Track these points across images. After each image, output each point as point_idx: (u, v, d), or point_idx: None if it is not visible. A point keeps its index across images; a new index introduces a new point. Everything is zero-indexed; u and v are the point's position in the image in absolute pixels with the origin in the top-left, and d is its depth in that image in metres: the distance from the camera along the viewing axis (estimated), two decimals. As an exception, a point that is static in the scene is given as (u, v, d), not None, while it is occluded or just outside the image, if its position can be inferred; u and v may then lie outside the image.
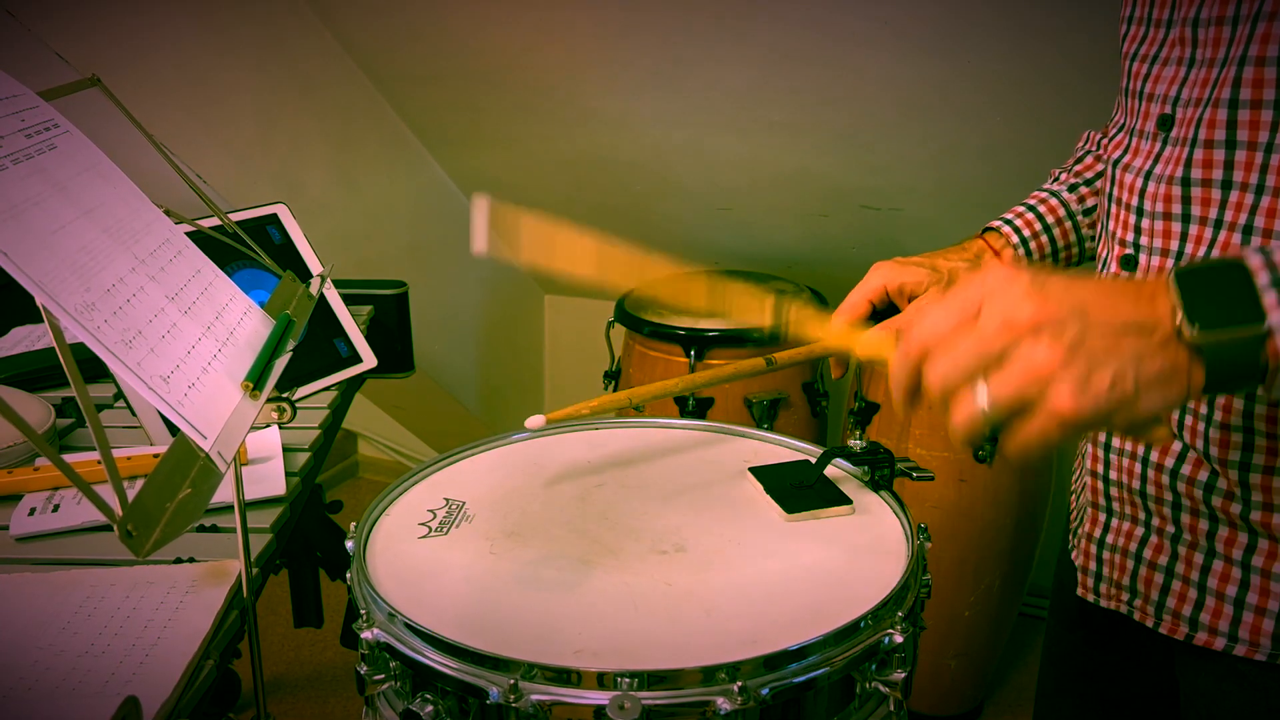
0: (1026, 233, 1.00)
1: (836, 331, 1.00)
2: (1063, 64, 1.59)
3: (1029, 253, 1.00)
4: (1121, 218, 0.83)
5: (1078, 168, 1.04)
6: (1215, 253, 0.75)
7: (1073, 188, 1.02)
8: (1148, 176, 0.80)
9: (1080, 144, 1.06)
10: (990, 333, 0.57)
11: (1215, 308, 0.57)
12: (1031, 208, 1.02)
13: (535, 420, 0.86)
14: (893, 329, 0.65)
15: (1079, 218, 1.01)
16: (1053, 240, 1.01)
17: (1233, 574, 0.79)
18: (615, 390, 2.16)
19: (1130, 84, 0.84)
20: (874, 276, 0.97)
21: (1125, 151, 0.84)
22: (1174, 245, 0.78)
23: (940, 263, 0.98)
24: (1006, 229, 1.01)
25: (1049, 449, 0.58)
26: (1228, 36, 0.73)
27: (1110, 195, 0.86)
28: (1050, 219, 1.01)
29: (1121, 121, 0.87)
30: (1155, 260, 0.80)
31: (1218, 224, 0.75)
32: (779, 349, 1.01)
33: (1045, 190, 1.04)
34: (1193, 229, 0.77)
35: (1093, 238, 1.02)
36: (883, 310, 0.99)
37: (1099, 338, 0.57)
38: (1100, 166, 1.02)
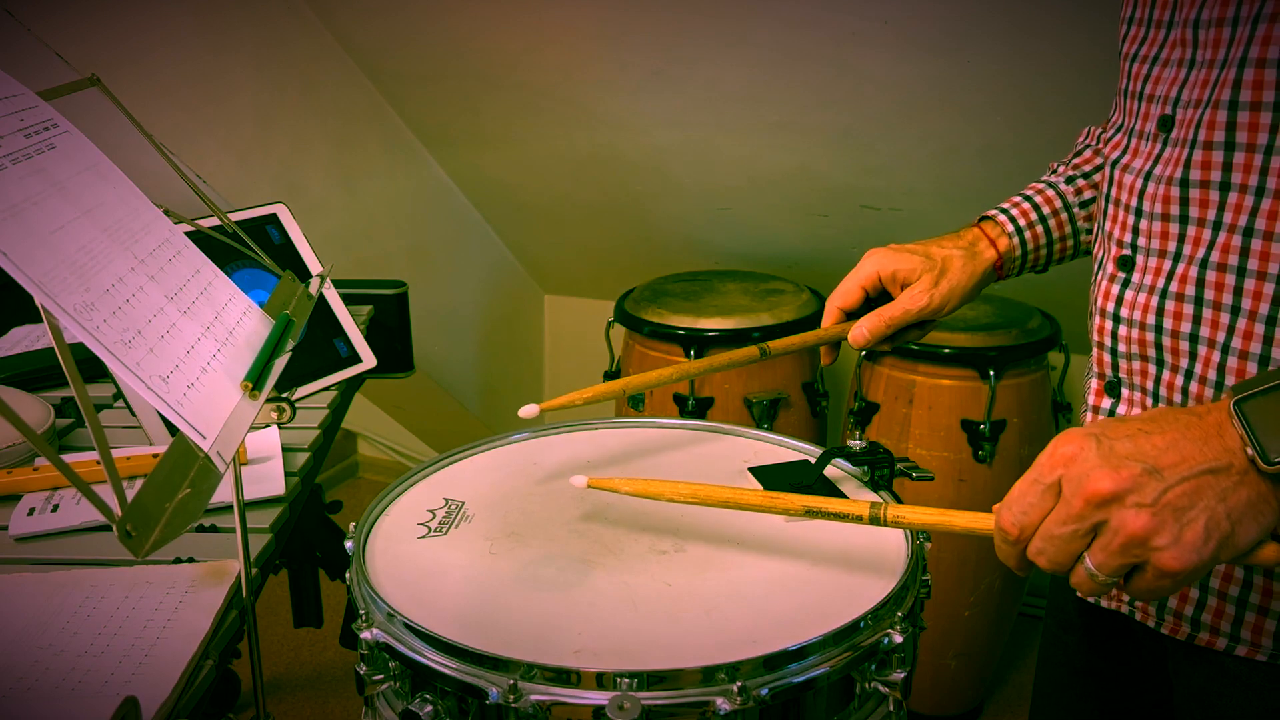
0: (1022, 222, 1.00)
1: (830, 319, 1.01)
2: (1063, 64, 1.59)
3: (1024, 243, 1.00)
4: (1119, 218, 0.83)
5: (1076, 161, 1.04)
6: (1214, 255, 0.75)
7: (1070, 180, 1.02)
8: (1147, 177, 0.80)
9: (1081, 138, 1.06)
10: (1077, 511, 0.60)
11: None
12: (1028, 198, 1.02)
13: (529, 409, 0.86)
14: (993, 512, 0.68)
15: (1075, 210, 1.01)
16: (1048, 231, 1.01)
17: (1235, 574, 0.79)
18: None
19: (1130, 85, 0.84)
20: (867, 263, 0.98)
21: (1124, 152, 0.84)
22: (1172, 246, 0.78)
23: (934, 250, 0.98)
24: (1002, 218, 1.01)
25: (1176, 590, 0.62)
26: (1228, 38, 0.73)
27: (1108, 196, 0.86)
28: (1046, 210, 1.01)
29: (1120, 122, 0.87)
30: (1153, 261, 0.80)
31: (1216, 225, 0.75)
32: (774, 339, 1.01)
33: (1043, 182, 1.04)
34: (1191, 230, 0.77)
35: (1089, 231, 1.02)
36: (875, 298, 1.00)
37: (1179, 491, 0.59)
38: (1099, 161, 1.02)
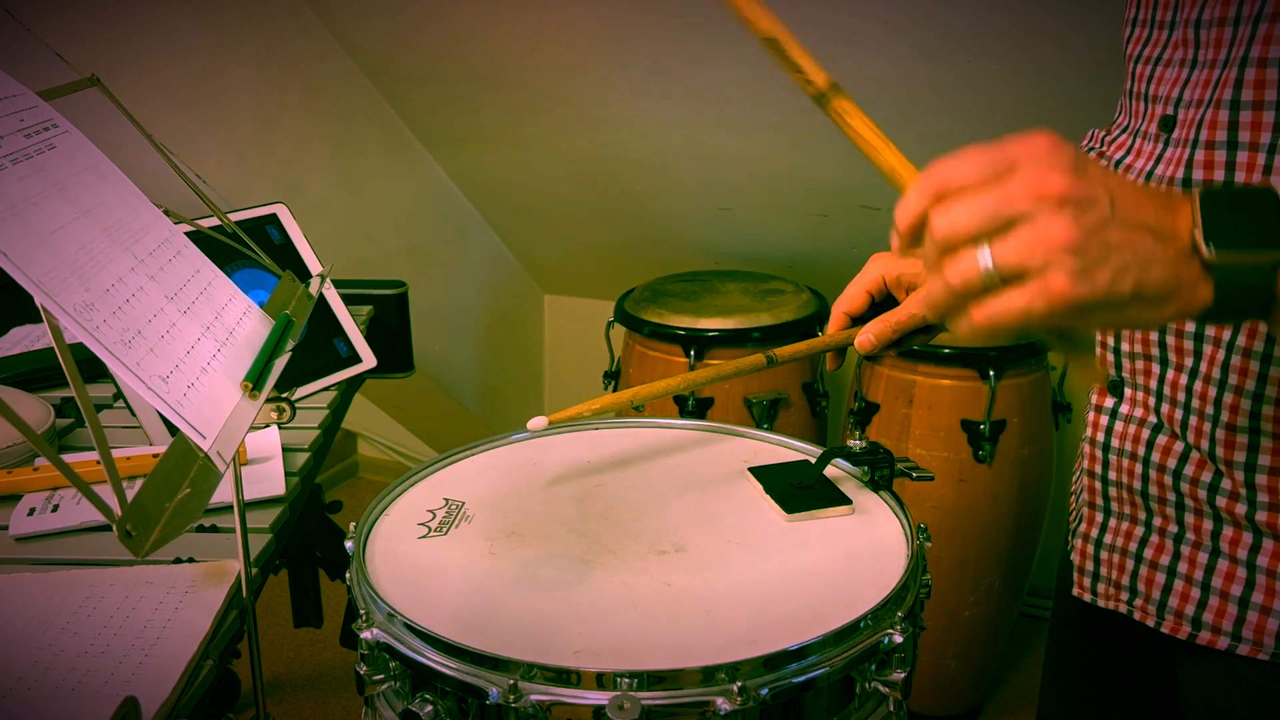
0: None
1: (836, 325, 1.00)
2: (1062, 65, 1.59)
3: None
4: None
5: None
6: None
7: None
8: (1149, 177, 0.80)
9: (1084, 142, 1.06)
10: (1016, 194, 0.55)
11: (1235, 228, 0.56)
12: None
13: (537, 421, 0.86)
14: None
15: None
16: None
17: (1237, 573, 0.79)
18: (615, 390, 2.16)
19: (1134, 86, 0.84)
20: (872, 267, 0.97)
21: (1127, 152, 0.84)
22: None
23: None
24: None
25: (1018, 328, 0.56)
26: (1229, 38, 0.73)
27: None
28: None
29: (1125, 123, 0.87)
30: None
31: None
32: (779, 345, 1.01)
33: None
34: None
35: None
36: (881, 302, 1.00)
37: (1119, 229, 0.55)
38: (1102, 162, 1.02)
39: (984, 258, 0.55)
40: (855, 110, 0.68)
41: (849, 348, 0.99)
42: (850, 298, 0.98)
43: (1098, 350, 0.87)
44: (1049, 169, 0.55)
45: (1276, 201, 0.57)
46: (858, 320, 1.00)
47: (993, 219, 0.55)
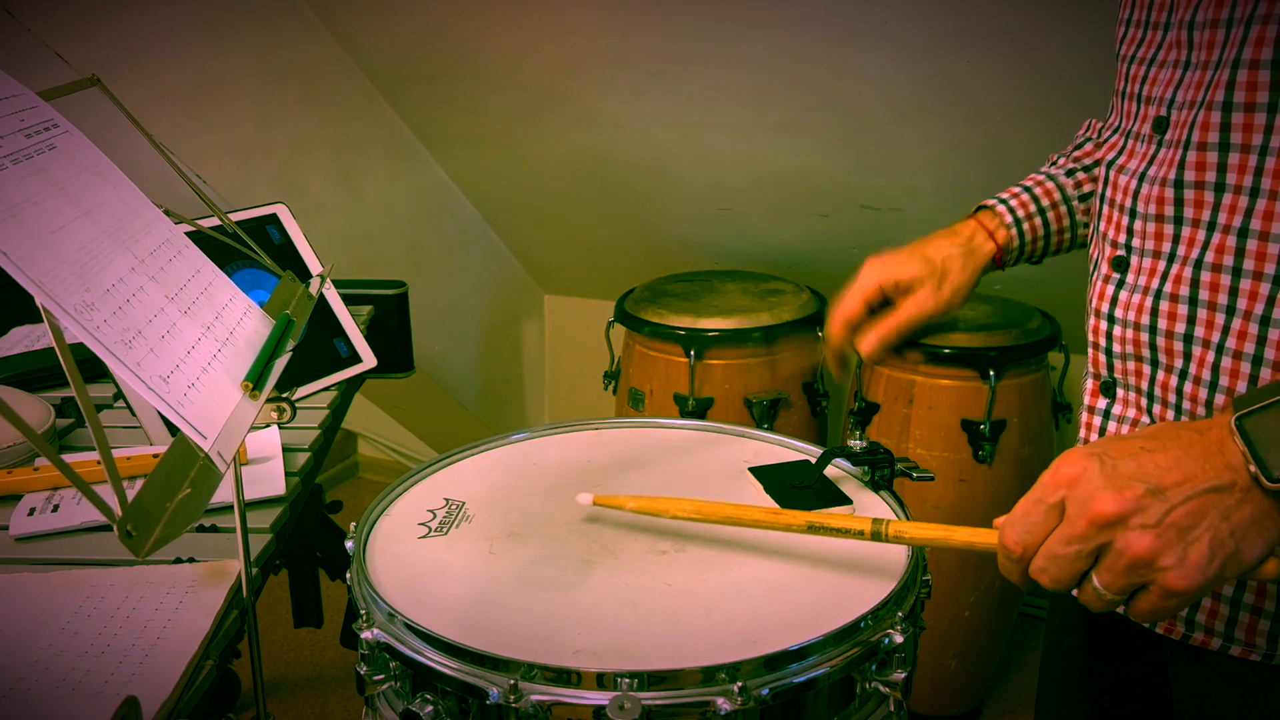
0: (1020, 213, 0.99)
1: (836, 331, 1.00)
2: (1062, 64, 1.59)
3: (1022, 234, 0.99)
4: (1114, 219, 0.83)
5: (1076, 154, 1.04)
6: (1209, 255, 0.75)
7: (1070, 172, 1.02)
8: (1141, 178, 0.80)
9: (1081, 132, 1.06)
10: (1081, 532, 0.61)
11: None
12: (1027, 189, 1.01)
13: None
14: (995, 528, 0.70)
15: (1074, 203, 1.00)
16: (1046, 224, 1.00)
17: (1231, 575, 0.79)
18: (615, 390, 2.16)
19: (1127, 86, 0.84)
20: (867, 275, 0.97)
21: (1119, 153, 0.84)
22: (1166, 247, 0.78)
23: (931, 253, 0.97)
24: (1001, 209, 1.00)
25: (1179, 611, 0.64)
26: (1222, 39, 0.73)
27: (1103, 196, 0.86)
28: (1045, 201, 1.00)
29: (1116, 123, 0.87)
30: (1147, 261, 0.80)
31: (1211, 226, 0.75)
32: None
33: (1042, 173, 1.03)
34: (1185, 231, 0.77)
35: (1087, 224, 1.01)
36: (877, 307, 0.99)
37: (1182, 511, 0.59)
38: (1098, 154, 1.02)
39: (1102, 594, 0.62)
40: (909, 525, 0.76)
41: (851, 353, 0.99)
42: (847, 306, 0.98)
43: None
44: (1091, 494, 0.61)
45: None
46: (856, 328, 1.00)
47: (1079, 560, 0.62)
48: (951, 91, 1.73)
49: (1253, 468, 0.60)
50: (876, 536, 0.76)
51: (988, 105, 1.73)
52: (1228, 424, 0.61)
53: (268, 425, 0.97)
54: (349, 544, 0.85)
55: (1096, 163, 1.02)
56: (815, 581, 0.80)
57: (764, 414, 1.97)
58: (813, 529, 0.79)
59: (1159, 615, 0.62)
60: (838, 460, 0.96)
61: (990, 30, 1.58)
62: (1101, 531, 0.60)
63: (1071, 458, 0.63)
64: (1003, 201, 1.00)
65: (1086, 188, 1.01)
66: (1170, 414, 0.80)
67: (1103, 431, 0.86)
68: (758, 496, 0.93)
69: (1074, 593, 0.64)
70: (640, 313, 2.02)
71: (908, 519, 0.87)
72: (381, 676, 0.75)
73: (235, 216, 1.26)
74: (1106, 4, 0.91)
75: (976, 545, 0.72)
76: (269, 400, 0.73)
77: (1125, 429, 0.84)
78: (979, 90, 1.70)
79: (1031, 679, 2.22)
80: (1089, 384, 0.88)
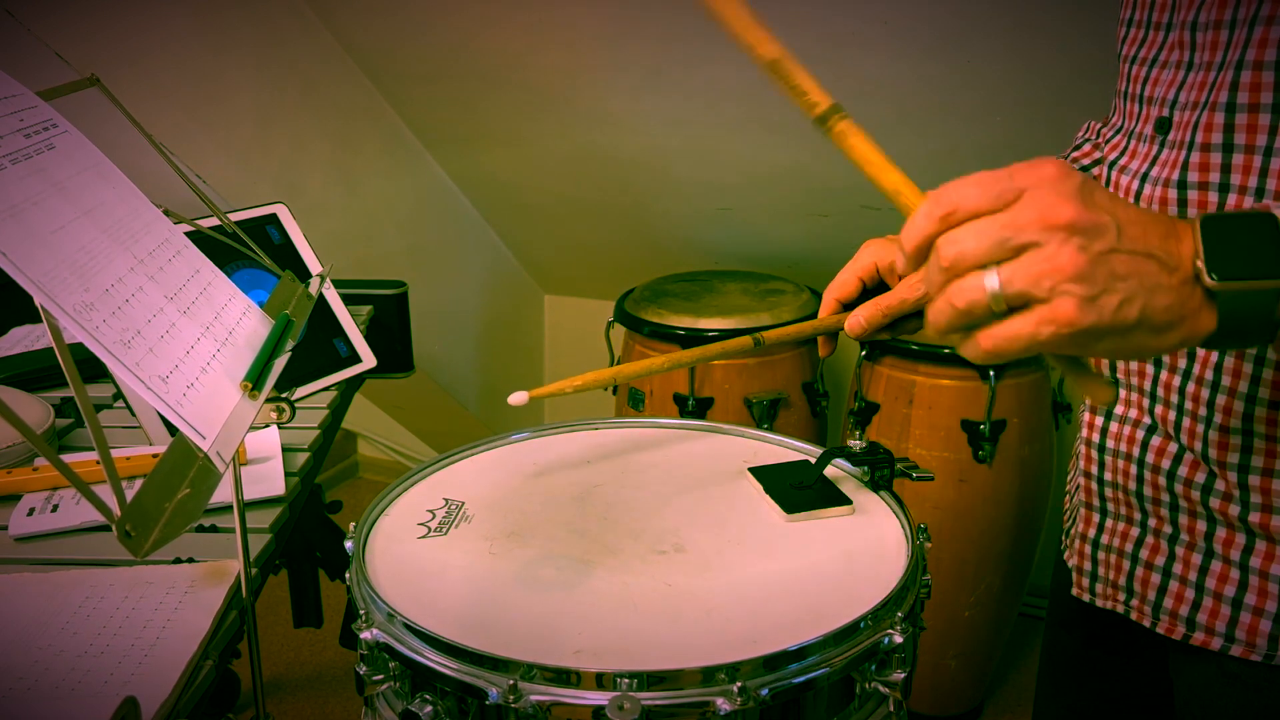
0: None
1: (827, 310, 1.00)
2: (1060, 65, 1.59)
3: None
4: None
5: (1074, 155, 1.04)
6: None
7: None
8: (1144, 179, 0.80)
9: (1081, 133, 1.06)
10: (1023, 221, 0.55)
11: (1237, 257, 0.57)
12: None
13: (518, 396, 0.86)
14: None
15: None
16: None
17: (1231, 574, 0.79)
18: (614, 390, 2.16)
19: (1129, 87, 0.84)
20: (865, 254, 0.97)
21: (1122, 153, 0.84)
22: None
23: None
24: None
25: (1025, 352, 0.56)
26: (1225, 40, 0.73)
27: None
28: None
29: (1119, 124, 0.87)
30: None
31: None
32: (779, 346, 1.00)
33: None
34: None
35: None
36: (872, 288, 0.99)
37: (1125, 258, 0.56)
38: (1098, 155, 1.02)
39: (991, 283, 0.56)
40: (857, 131, 0.67)
41: (840, 333, 0.99)
42: (842, 284, 0.97)
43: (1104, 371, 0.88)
44: (1057, 196, 0.55)
45: (1276, 227, 0.57)
46: (849, 307, 1.00)
47: (1000, 245, 0.55)
48: (950, 92, 1.73)
49: (1200, 263, 0.57)
50: (821, 120, 0.67)
51: (987, 105, 1.73)
52: (1195, 219, 0.59)
53: (267, 425, 0.97)
54: (348, 544, 0.85)
55: (1096, 162, 1.02)
56: (815, 581, 0.80)
57: (764, 414, 1.97)
58: (774, 69, 0.67)
59: (1015, 343, 0.56)
60: (838, 460, 0.96)
61: (990, 30, 1.58)
62: (1044, 231, 0.55)
63: (1056, 161, 0.58)
64: None
65: None
66: (1173, 414, 0.80)
67: (1105, 433, 0.86)
68: (758, 496, 0.93)
69: (942, 289, 0.58)
70: (640, 313, 2.02)
71: (908, 519, 0.87)
72: (381, 677, 0.75)
73: (235, 216, 1.26)
74: (1106, 4, 0.91)
75: (902, 193, 0.65)
76: (268, 400, 0.73)
77: (1128, 430, 0.84)
78: (978, 90, 1.70)
79: (1031, 679, 2.21)
80: None
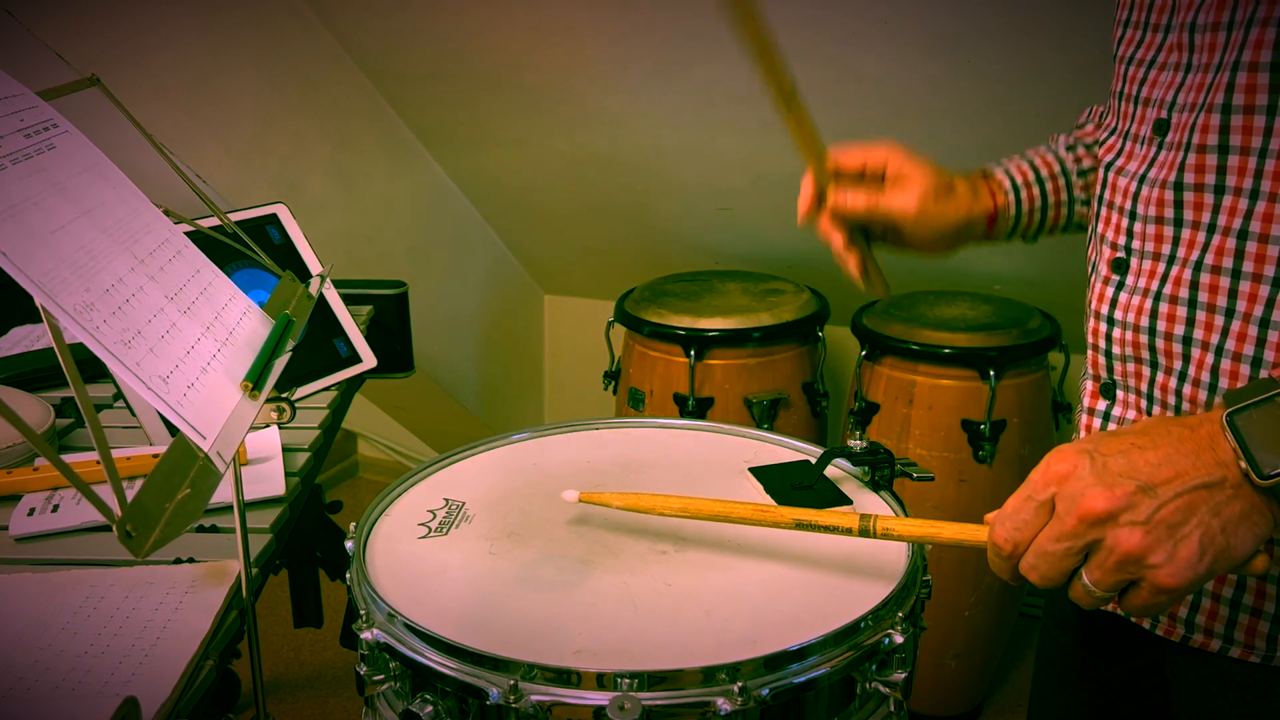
0: (1019, 180, 0.98)
1: (818, 172, 0.96)
2: (1060, 64, 1.59)
3: (1019, 202, 0.98)
4: (1113, 221, 0.83)
5: (1078, 133, 1.04)
6: (1209, 258, 0.75)
7: (1070, 147, 1.01)
8: (1141, 180, 0.80)
9: (1084, 115, 1.06)
10: (1070, 529, 0.61)
11: (1277, 450, 0.59)
12: (1028, 159, 1.01)
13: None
14: (986, 524, 0.69)
15: (1073, 177, 1.00)
16: (1044, 194, 0.99)
17: (1228, 576, 0.79)
18: (615, 390, 2.16)
19: (1125, 88, 0.84)
20: (882, 148, 0.94)
21: (1118, 155, 0.84)
22: (1166, 249, 0.78)
23: (945, 172, 0.95)
24: (1000, 175, 0.99)
25: (1169, 608, 0.64)
26: (1222, 42, 0.73)
27: (1101, 198, 0.86)
28: (1045, 172, 0.99)
29: (1114, 124, 0.87)
30: (1147, 263, 0.80)
31: (1211, 228, 0.75)
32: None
33: (1044, 147, 1.03)
34: (1185, 233, 0.77)
35: (1084, 201, 1.00)
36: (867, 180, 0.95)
37: (1172, 508, 0.59)
38: (1101, 134, 1.02)
39: (1090, 590, 0.62)
40: (895, 521, 0.76)
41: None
42: (848, 154, 0.95)
43: (1088, 353, 0.88)
44: (1081, 489, 0.61)
45: None
46: (841, 179, 0.95)
47: (1070, 555, 0.62)
48: (951, 91, 1.73)
49: (1244, 464, 0.60)
50: (865, 533, 0.76)
51: (987, 105, 1.73)
52: (1219, 420, 0.61)
53: (267, 425, 0.97)
54: (349, 544, 0.85)
55: (1099, 142, 1.02)
56: (815, 581, 0.80)
57: (764, 414, 1.97)
58: (800, 525, 0.79)
59: (1150, 611, 0.62)
60: (838, 460, 0.96)
61: (989, 30, 1.58)
62: (1091, 529, 0.60)
63: (1062, 454, 0.63)
64: (1003, 168, 1.00)
65: (1086, 163, 1.00)
66: (1170, 415, 0.80)
67: None
68: (758, 497, 0.93)
69: (1068, 592, 0.64)
70: (640, 313, 2.02)
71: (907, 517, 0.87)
72: (381, 677, 0.75)
73: (235, 216, 1.26)
74: (1105, 4, 0.91)
75: (965, 542, 0.71)
76: (269, 400, 0.73)
77: None
78: (978, 90, 1.70)
79: (1031, 679, 2.22)
80: (1088, 385, 0.88)
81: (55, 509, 1.02)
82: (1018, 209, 0.98)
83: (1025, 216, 0.99)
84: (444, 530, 0.88)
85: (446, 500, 0.94)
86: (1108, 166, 0.85)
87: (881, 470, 0.94)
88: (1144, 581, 0.60)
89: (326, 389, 1.32)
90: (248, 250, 0.91)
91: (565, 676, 0.67)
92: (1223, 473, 0.60)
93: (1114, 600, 0.63)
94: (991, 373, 1.78)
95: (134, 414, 1.20)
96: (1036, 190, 0.99)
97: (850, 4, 1.60)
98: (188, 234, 0.78)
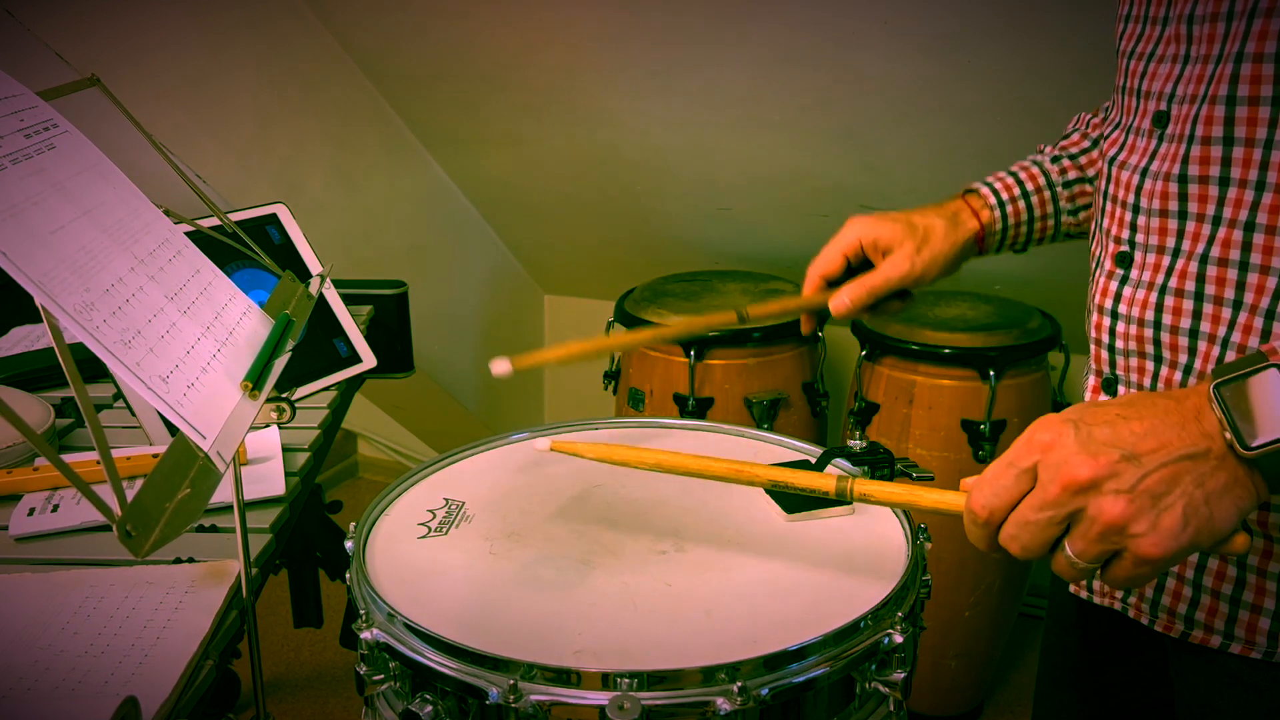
0: (1004, 196, 1.01)
1: (811, 288, 1.00)
2: (1060, 64, 1.59)
3: (1005, 216, 1.01)
4: (1117, 215, 0.83)
5: (1063, 143, 1.05)
6: (1215, 250, 0.75)
7: (1055, 159, 1.03)
8: (1144, 174, 0.80)
9: (1071, 124, 1.07)
10: (1053, 497, 0.60)
11: (1263, 420, 0.59)
12: (1013, 174, 1.03)
13: (500, 365, 0.86)
14: (962, 488, 0.68)
15: (1058, 189, 1.02)
16: (1030, 207, 1.01)
17: (1229, 572, 0.79)
18: (615, 390, 2.16)
19: (1127, 82, 0.84)
20: (849, 231, 0.98)
21: (1121, 149, 0.84)
22: (1170, 242, 0.78)
23: (916, 219, 0.98)
24: (985, 191, 1.02)
25: (1156, 575, 0.62)
26: (1222, 33, 0.73)
27: (1105, 193, 0.86)
28: (1030, 186, 1.01)
29: (1118, 119, 0.87)
30: (1151, 257, 0.80)
31: (1216, 220, 0.75)
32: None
33: (1029, 160, 1.05)
34: (1190, 225, 0.77)
35: (1070, 212, 1.02)
36: (857, 266, 0.99)
37: (1157, 478, 0.59)
38: (1086, 145, 1.03)
39: (1073, 560, 0.61)
40: (872, 484, 0.74)
41: (829, 323, 0.99)
42: (827, 260, 0.98)
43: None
44: (1065, 457, 0.60)
45: None
46: (834, 284, 1.00)
47: (1051, 525, 0.61)
48: (950, 91, 1.73)
49: (1228, 435, 0.60)
50: (840, 495, 0.74)
51: (986, 105, 1.73)
52: (1206, 391, 0.61)
53: (267, 425, 0.97)
54: (349, 544, 0.85)
55: (1083, 151, 1.02)
56: (815, 581, 0.80)
57: (764, 414, 1.97)
58: (776, 486, 0.77)
59: (1133, 582, 0.61)
60: (838, 460, 0.96)
61: (988, 30, 1.58)
62: (1075, 497, 0.59)
63: (1047, 423, 0.62)
64: (987, 184, 1.02)
65: (1071, 175, 1.02)
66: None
67: None
68: (758, 496, 0.93)
69: (1051, 564, 0.64)
70: (640, 313, 2.02)
71: (908, 519, 0.87)
72: (381, 677, 0.75)
73: (235, 216, 1.26)
74: (1105, 3, 0.91)
75: (944, 509, 0.70)
76: (269, 400, 0.73)
77: None
78: (977, 90, 1.70)
79: (1031, 679, 2.22)
80: (1090, 381, 0.88)
81: (55, 509, 1.02)
82: (1004, 223, 1.01)
83: (1012, 230, 1.01)
84: (444, 530, 0.88)
85: (446, 500, 0.94)
86: (1110, 160, 0.85)
87: (881, 470, 0.94)
88: (1126, 552, 0.60)
89: (326, 389, 1.32)
90: (248, 250, 0.91)
91: (565, 676, 0.67)
92: (1208, 444, 0.60)
93: (1097, 572, 0.62)
94: (991, 373, 1.78)
95: (134, 414, 1.20)
96: (1022, 204, 1.01)
97: (850, 4, 1.60)
98: (188, 234, 0.78)
